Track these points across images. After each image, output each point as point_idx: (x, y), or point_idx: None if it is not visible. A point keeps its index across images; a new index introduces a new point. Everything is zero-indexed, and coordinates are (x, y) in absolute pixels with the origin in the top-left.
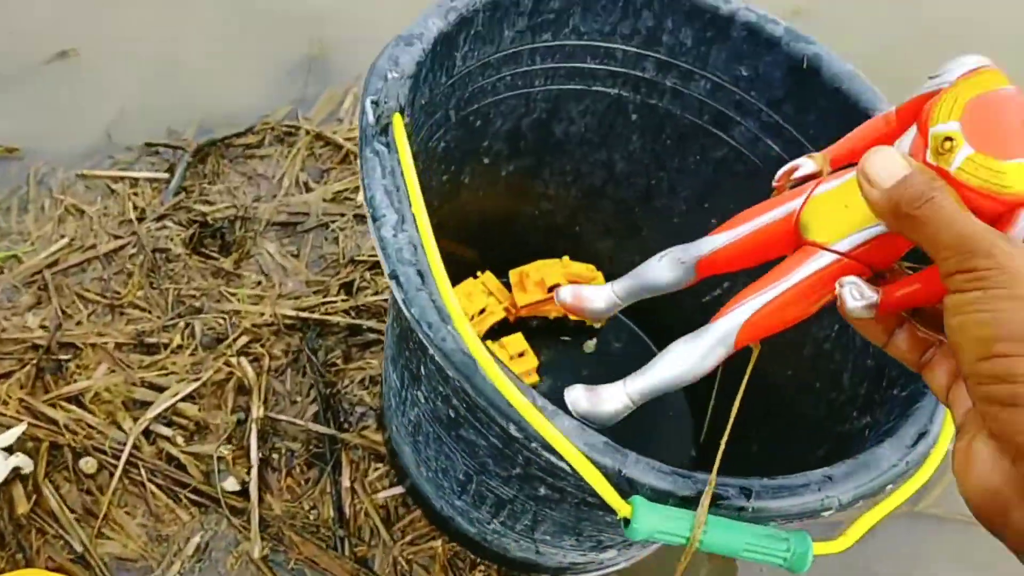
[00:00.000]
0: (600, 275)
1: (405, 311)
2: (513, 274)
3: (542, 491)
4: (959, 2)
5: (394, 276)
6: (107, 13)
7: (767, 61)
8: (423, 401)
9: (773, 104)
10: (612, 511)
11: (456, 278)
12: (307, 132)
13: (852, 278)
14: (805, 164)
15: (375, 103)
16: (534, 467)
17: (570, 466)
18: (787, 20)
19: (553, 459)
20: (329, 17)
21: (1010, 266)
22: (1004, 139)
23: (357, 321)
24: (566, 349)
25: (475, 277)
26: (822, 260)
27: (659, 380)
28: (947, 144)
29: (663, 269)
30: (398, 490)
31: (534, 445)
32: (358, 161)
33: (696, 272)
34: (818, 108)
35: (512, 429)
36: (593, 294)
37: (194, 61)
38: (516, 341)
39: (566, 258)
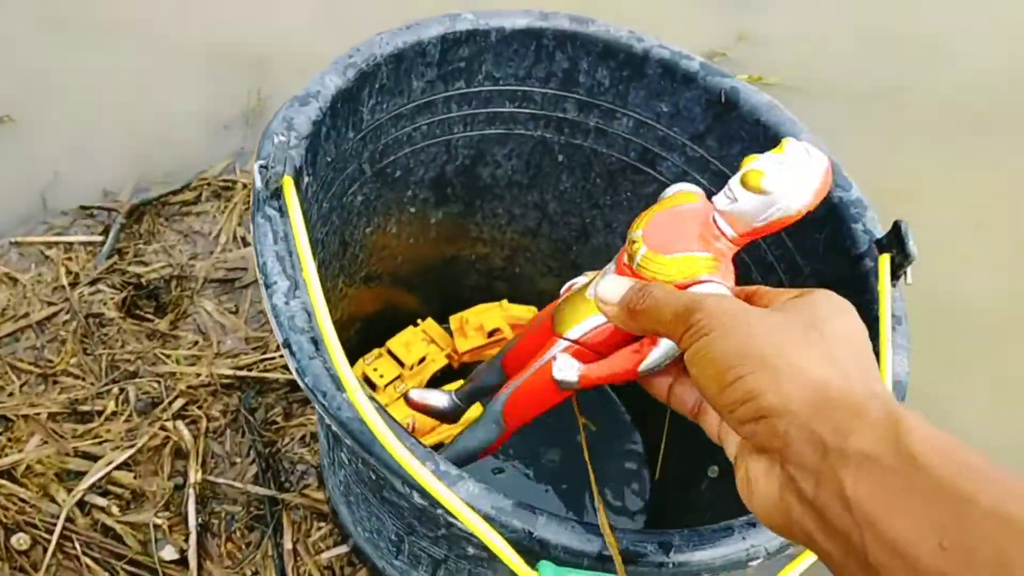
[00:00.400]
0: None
1: (299, 380)
2: (453, 320)
3: (471, 551)
4: (897, 17)
5: (287, 345)
6: (41, 78)
7: (686, 97)
8: (347, 462)
9: (696, 139)
10: None
11: (398, 327)
12: (244, 186)
13: (562, 355)
14: (579, 280)
15: (264, 167)
16: (456, 528)
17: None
18: (732, 46)
19: (460, 525)
20: (267, 69)
21: (718, 312)
22: (670, 240)
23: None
24: None
25: (416, 325)
26: (558, 347)
27: (457, 454)
28: (633, 246)
29: (485, 371)
30: (343, 549)
31: (439, 512)
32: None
33: (504, 370)
34: (740, 140)
35: (416, 497)
36: (437, 398)
37: (131, 121)
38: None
39: (505, 302)
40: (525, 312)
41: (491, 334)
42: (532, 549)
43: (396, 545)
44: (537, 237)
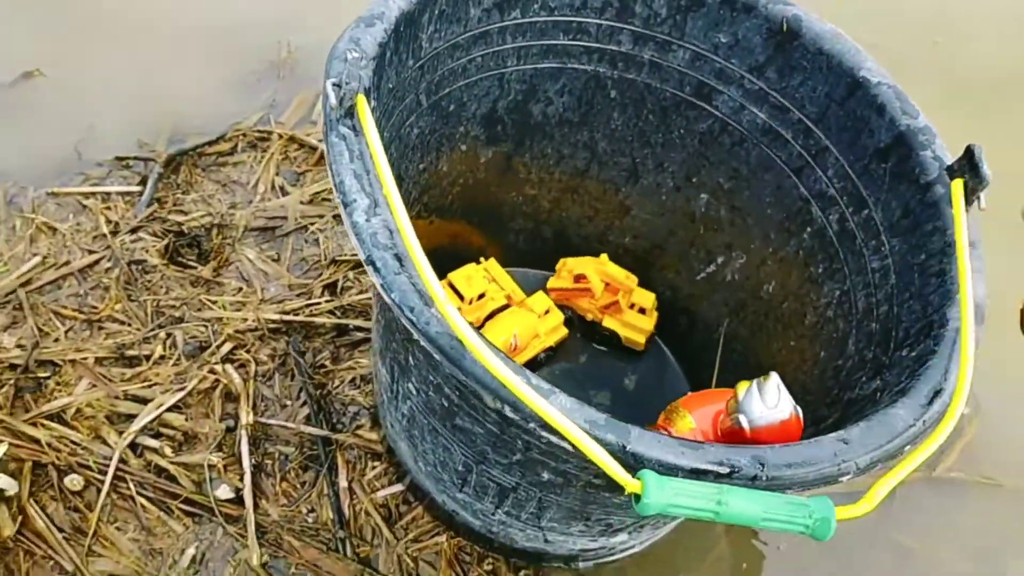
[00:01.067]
0: (651, 295)
1: (385, 296)
2: (560, 263)
3: (545, 476)
4: None
5: (370, 261)
6: (71, 32)
7: (746, 26)
8: (415, 393)
9: (755, 70)
10: (620, 490)
11: (443, 271)
12: (280, 136)
13: None
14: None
15: (337, 85)
16: (535, 451)
17: (572, 445)
18: None
19: (553, 439)
20: (298, 23)
21: None
22: None
23: (343, 321)
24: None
25: (478, 263)
26: None
27: None
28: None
29: None
30: (398, 487)
31: (532, 426)
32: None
33: None
34: (802, 71)
35: (507, 411)
36: None
37: (163, 73)
38: (540, 300)
39: (605, 256)
40: (620, 274)
41: (577, 279)
42: (626, 463)
43: (462, 476)
44: (585, 178)
